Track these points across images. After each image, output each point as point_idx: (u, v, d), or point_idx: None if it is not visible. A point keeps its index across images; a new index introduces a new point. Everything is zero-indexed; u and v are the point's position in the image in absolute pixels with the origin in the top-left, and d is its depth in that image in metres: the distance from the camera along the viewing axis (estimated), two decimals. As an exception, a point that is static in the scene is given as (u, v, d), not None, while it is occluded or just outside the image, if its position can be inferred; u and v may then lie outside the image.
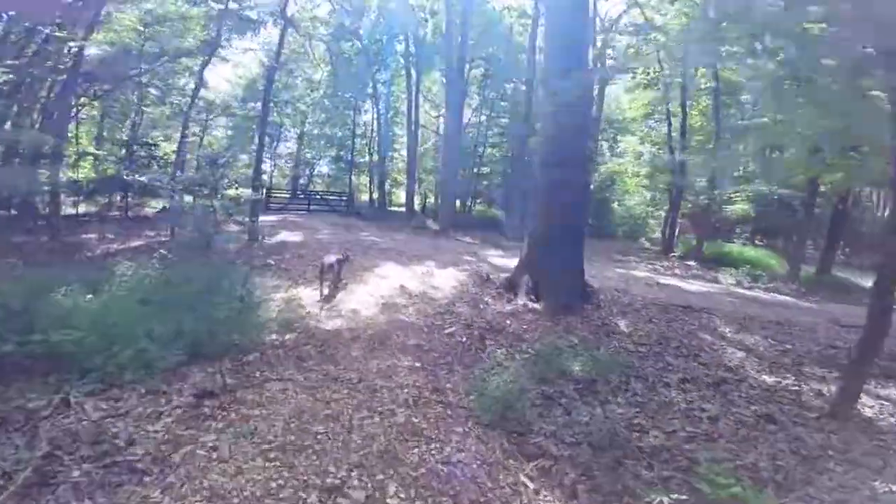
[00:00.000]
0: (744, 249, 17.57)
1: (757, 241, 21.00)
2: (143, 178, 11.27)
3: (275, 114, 27.24)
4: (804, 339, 7.06)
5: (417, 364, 5.09)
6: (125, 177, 11.63)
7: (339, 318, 6.27)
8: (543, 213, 7.28)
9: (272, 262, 8.70)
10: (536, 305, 6.79)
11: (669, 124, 16.86)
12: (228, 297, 5.86)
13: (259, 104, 17.08)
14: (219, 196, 12.40)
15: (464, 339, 5.77)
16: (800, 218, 14.48)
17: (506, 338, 5.91)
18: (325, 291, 7.11)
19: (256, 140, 12.84)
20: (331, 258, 7.34)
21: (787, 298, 11.31)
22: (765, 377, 5.62)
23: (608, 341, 6.22)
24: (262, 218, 16.87)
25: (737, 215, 18.93)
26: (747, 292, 11.56)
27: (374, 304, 6.74)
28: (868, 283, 15.00)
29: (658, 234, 21.95)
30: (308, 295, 7.12)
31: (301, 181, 31.10)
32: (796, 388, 5.31)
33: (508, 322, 6.36)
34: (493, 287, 7.74)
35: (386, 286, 7.61)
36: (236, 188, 10.31)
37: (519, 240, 15.47)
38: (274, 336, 5.59)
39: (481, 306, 6.87)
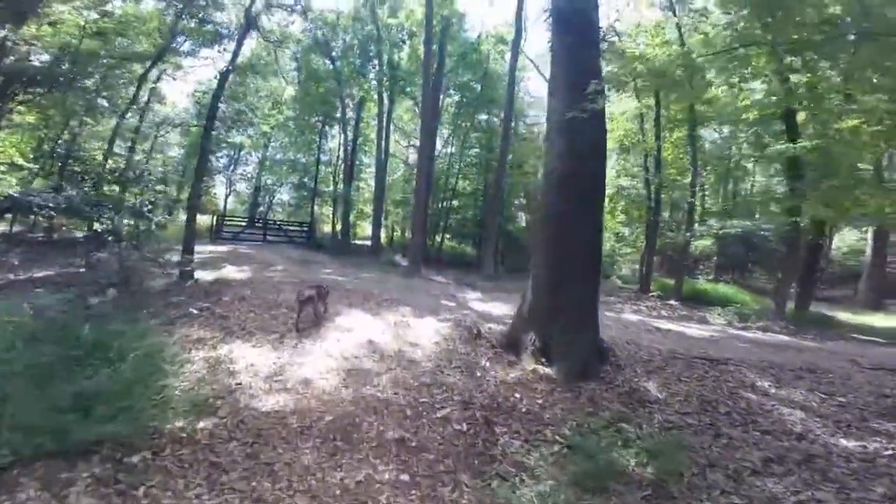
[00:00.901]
0: (717, 286, 16.89)
1: (724, 278, 20.60)
2: (35, 197, 8.99)
3: (233, 134, 25.25)
4: (849, 389, 5.98)
5: (405, 476, 3.33)
6: (30, 195, 9.28)
7: (284, 392, 4.41)
8: (552, 253, 5.76)
9: (195, 311, 6.64)
10: (548, 370, 5.18)
11: (645, 157, 16.19)
12: (117, 359, 3.96)
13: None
14: (151, 222, 10.31)
15: (464, 427, 4.04)
16: (780, 254, 13.84)
17: (519, 420, 4.24)
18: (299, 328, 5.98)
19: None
20: (308, 290, 6.51)
21: (787, 338, 10.34)
22: (844, 441, 4.37)
23: (645, 413, 4.69)
24: (208, 248, 14.68)
25: (699, 251, 18.43)
26: (744, 333, 10.55)
27: (334, 371, 4.92)
28: (844, 316, 14.91)
29: (626, 272, 21.24)
30: (246, 354, 5.21)
31: (260, 209, 28.73)
32: (890, 452, 4.00)
33: (517, 395, 4.70)
34: (486, 344, 6.08)
35: (350, 342, 5.82)
36: (168, 212, 8.25)
37: (495, 280, 14.45)
38: (180, 423, 3.70)
39: (478, 373, 5.18)
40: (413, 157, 26.36)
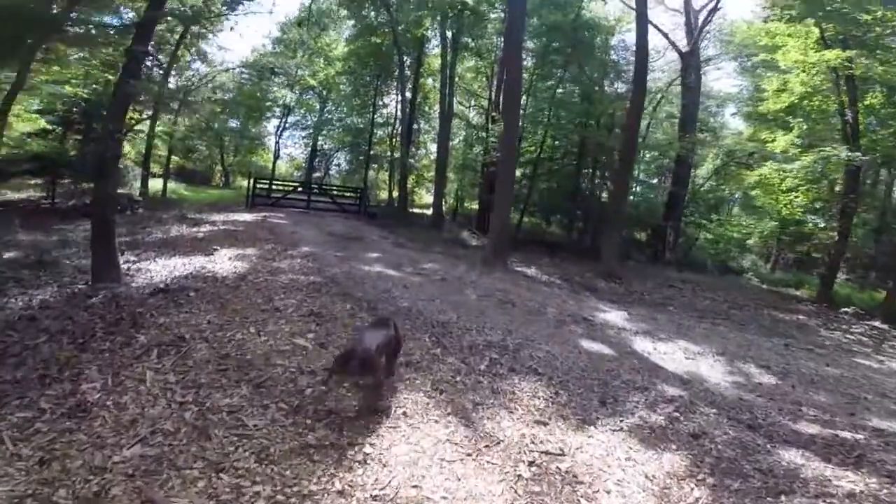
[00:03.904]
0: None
1: None
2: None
3: (283, 92, 21.40)
4: None
5: None
6: None
7: None
8: None
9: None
10: None
11: (845, 114, 10.11)
12: None
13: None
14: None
15: None
16: None
17: None
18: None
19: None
20: (371, 338, 2.81)
21: None
22: None
23: None
24: (230, 217, 10.82)
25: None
26: None
27: None
28: None
29: (764, 268, 15.29)
30: None
31: (317, 174, 25.03)
32: None
33: None
34: None
35: None
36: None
37: (619, 281, 8.38)
38: None
39: None
40: (477, 118, 21.36)
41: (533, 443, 2.63)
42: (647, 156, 18.34)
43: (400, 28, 15.92)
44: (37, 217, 8.55)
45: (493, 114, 14.91)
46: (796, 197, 10.59)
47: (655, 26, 13.35)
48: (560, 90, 15.77)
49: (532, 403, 3.13)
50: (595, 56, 14.60)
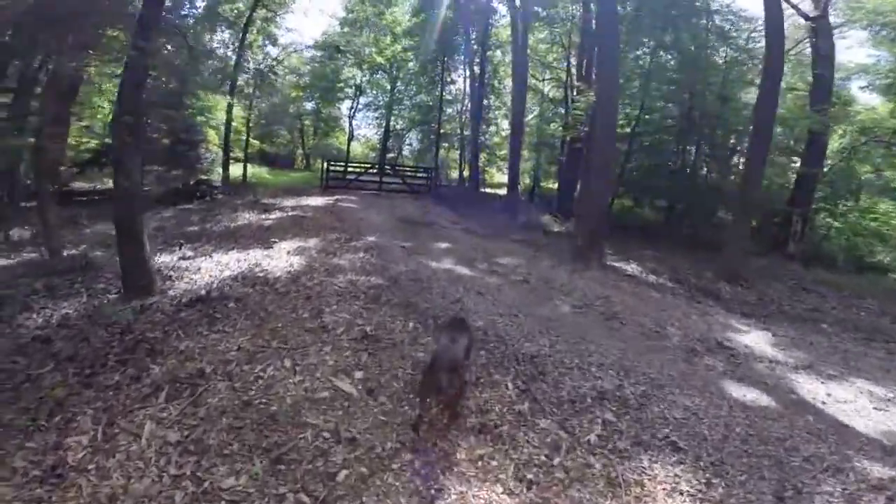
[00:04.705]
0: None
1: None
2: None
3: (353, 72, 21.05)
4: None
5: None
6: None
7: None
8: None
9: None
10: None
11: None
12: None
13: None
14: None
15: None
16: None
17: None
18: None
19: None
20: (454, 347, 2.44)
21: None
22: None
23: None
24: (302, 202, 10.51)
25: None
26: None
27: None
28: None
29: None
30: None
31: (391, 155, 24.71)
32: None
33: None
34: None
35: None
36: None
37: (745, 284, 6.42)
38: None
39: None
40: (553, 91, 19.28)
41: None
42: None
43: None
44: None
45: (579, 84, 12.99)
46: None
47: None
48: (651, 58, 13.24)
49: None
50: (694, 21, 12.00)
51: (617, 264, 7.12)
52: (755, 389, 3.41)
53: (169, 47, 10.02)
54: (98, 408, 2.32)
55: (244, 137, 15.81)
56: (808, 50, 12.40)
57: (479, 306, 4.02)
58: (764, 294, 6.51)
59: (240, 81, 14.41)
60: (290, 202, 10.20)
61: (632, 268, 7.03)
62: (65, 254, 4.62)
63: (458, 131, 20.04)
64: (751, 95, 13.52)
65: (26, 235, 5.37)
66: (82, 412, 2.28)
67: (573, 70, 15.87)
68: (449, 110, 21.19)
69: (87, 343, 2.82)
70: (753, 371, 3.80)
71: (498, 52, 19.11)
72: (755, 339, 4.57)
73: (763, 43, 12.41)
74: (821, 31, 11.68)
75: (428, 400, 2.37)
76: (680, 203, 11.72)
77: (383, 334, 3.28)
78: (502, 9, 17.50)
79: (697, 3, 12.19)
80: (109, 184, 10.82)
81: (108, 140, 9.28)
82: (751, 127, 9.07)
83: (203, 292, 3.71)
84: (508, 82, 19.97)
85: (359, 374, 2.78)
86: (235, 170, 14.59)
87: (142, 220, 3.51)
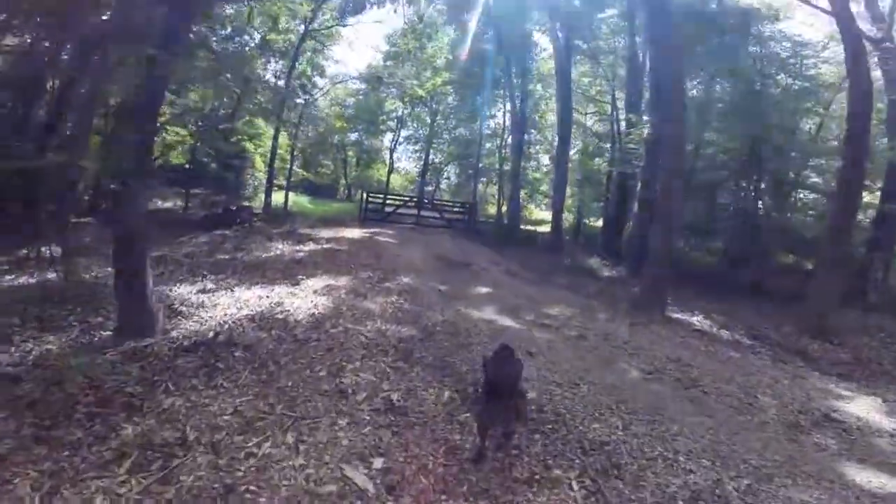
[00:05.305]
0: None
1: None
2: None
3: (395, 105, 21.44)
4: None
5: None
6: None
7: None
8: None
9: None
10: None
11: None
12: None
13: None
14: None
15: None
16: None
17: None
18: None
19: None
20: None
21: None
22: None
23: None
24: (339, 234, 10.23)
25: None
26: None
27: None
28: None
29: None
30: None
31: (429, 188, 24.79)
32: None
33: None
34: None
35: None
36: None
37: (830, 342, 5.39)
38: None
39: None
40: (598, 126, 18.70)
41: None
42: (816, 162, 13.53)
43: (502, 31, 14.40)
44: (172, 227, 8.72)
45: (630, 116, 12.33)
46: None
47: (826, 11, 9.46)
48: (707, 88, 12.42)
49: None
50: (748, 49, 11.20)
51: (680, 316, 6.12)
52: (883, 473, 2.51)
53: (228, 76, 10.33)
54: (44, 470, 1.78)
55: (288, 166, 16.13)
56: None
57: (530, 370, 3.27)
58: (859, 351, 5.36)
59: (287, 111, 14.81)
60: (326, 233, 9.93)
61: (698, 321, 6.01)
62: (85, 277, 4.31)
63: (497, 166, 19.74)
64: (808, 125, 12.37)
65: (58, 253, 5.18)
66: (23, 475, 1.74)
67: (619, 103, 15.27)
68: (489, 144, 21.06)
69: (60, 388, 2.33)
70: (874, 449, 2.89)
71: (539, 86, 18.84)
72: (865, 408, 3.64)
73: (825, 69, 11.43)
74: (889, 53, 10.53)
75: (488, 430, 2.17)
76: (739, 246, 10.50)
77: (413, 405, 2.61)
78: (543, 41, 17.52)
79: (753, 31, 11.44)
80: (160, 203, 11.17)
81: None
82: (837, 162, 8.03)
83: (210, 335, 3.21)
84: (549, 117, 19.73)
85: (378, 463, 2.11)
86: (278, 197, 14.74)
87: (144, 251, 3.10)
